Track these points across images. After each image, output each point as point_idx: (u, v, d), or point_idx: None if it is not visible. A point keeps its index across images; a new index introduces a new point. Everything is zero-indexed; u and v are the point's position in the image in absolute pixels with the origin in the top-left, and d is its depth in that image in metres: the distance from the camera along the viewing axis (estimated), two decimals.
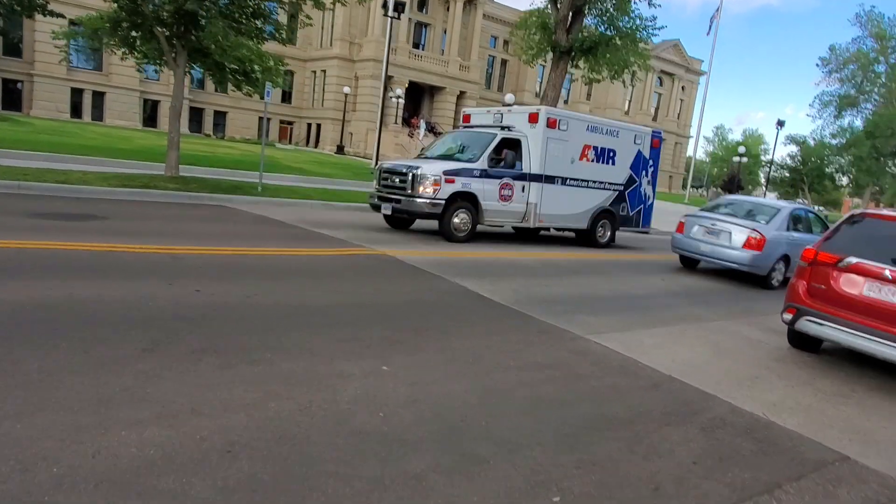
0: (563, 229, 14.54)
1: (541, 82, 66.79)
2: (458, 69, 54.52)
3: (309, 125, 54.59)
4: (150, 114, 46.47)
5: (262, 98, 16.55)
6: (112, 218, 9.68)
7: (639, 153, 14.90)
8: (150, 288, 5.92)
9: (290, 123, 54.95)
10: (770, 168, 42.77)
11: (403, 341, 5.38)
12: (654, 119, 73.07)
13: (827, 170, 44.98)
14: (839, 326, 6.16)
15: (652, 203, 15.80)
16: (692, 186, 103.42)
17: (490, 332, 6.07)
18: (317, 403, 3.89)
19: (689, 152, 76.08)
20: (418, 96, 55.74)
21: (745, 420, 4.81)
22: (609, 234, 14.66)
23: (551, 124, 12.87)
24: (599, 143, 13.96)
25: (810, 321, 6.39)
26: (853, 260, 6.18)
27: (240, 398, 3.81)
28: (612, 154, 14.20)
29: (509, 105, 30.93)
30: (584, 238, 14.34)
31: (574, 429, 4.15)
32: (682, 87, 75.54)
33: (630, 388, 5.11)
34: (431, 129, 54.25)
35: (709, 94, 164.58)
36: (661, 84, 73.51)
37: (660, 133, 15.87)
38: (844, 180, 48.61)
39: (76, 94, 42.61)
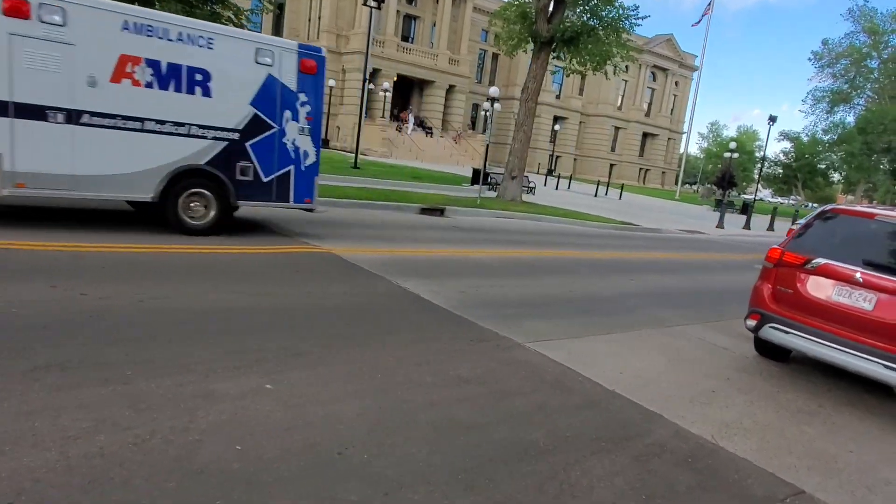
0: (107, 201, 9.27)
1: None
2: (447, 63, 53.76)
3: None
4: None
5: None
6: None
7: (271, 81, 9.08)
8: (27, 291, 5.25)
9: None
10: (762, 165, 42.06)
11: (306, 353, 4.72)
12: (648, 115, 72.50)
13: (819, 166, 44.33)
14: (805, 335, 5.54)
15: (314, 164, 9.89)
16: (686, 182, 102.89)
17: (415, 341, 5.42)
18: (161, 434, 3.24)
19: (683, 148, 75.61)
20: (407, 90, 54.94)
21: (689, 446, 4.19)
22: (214, 212, 8.87)
23: (19, 11, 7.24)
24: (163, 56, 8.17)
25: (775, 328, 5.77)
26: (821, 261, 5.55)
27: (62, 429, 3.15)
28: (200, 77, 8.51)
29: (495, 98, 30.26)
30: (159, 216, 8.75)
31: (478, 462, 3.51)
32: (676, 83, 74.91)
33: (560, 408, 4.47)
34: (420, 124, 53.51)
35: (705, 91, 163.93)
36: (654, 79, 72.84)
37: (318, 52, 9.71)
38: (836, 177, 47.99)
39: None
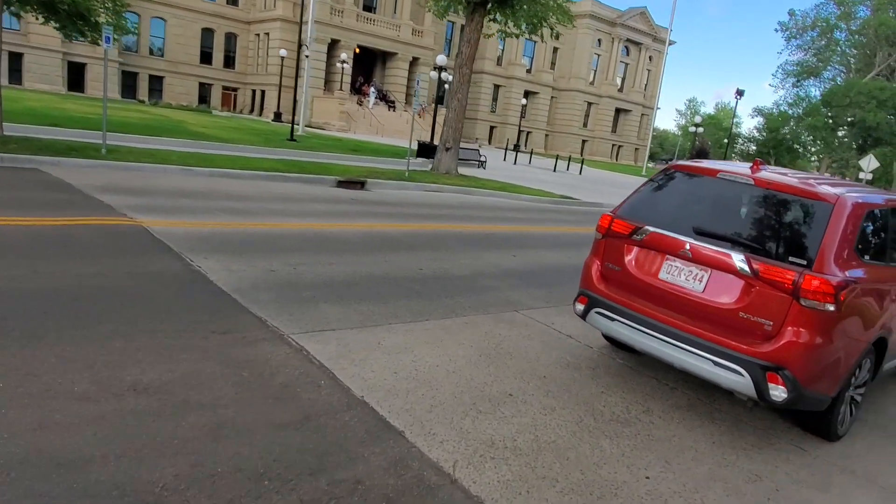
0: None
1: (502, 49, 64.44)
2: (410, 34, 51.97)
3: (253, 92, 51.80)
4: (75, 77, 43.38)
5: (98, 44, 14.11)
6: None
7: None
8: None
9: (234, 90, 52.13)
10: (729, 140, 41.03)
11: None
12: (621, 90, 71.18)
13: (787, 140, 43.31)
14: (631, 322, 4.41)
15: None
16: (662, 159, 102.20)
17: (131, 334, 4.23)
18: None
19: (656, 123, 74.52)
20: (370, 62, 53.13)
21: (403, 481, 3.05)
22: None
23: None
24: None
25: (601, 314, 4.63)
26: (650, 230, 4.41)
27: None
28: None
29: (441, 66, 28.85)
30: None
31: None
32: (650, 57, 73.47)
33: (252, 427, 3.31)
34: (383, 98, 51.74)
35: (687, 68, 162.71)
36: (627, 53, 71.42)
37: None
38: (803, 152, 47.03)
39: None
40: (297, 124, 32.25)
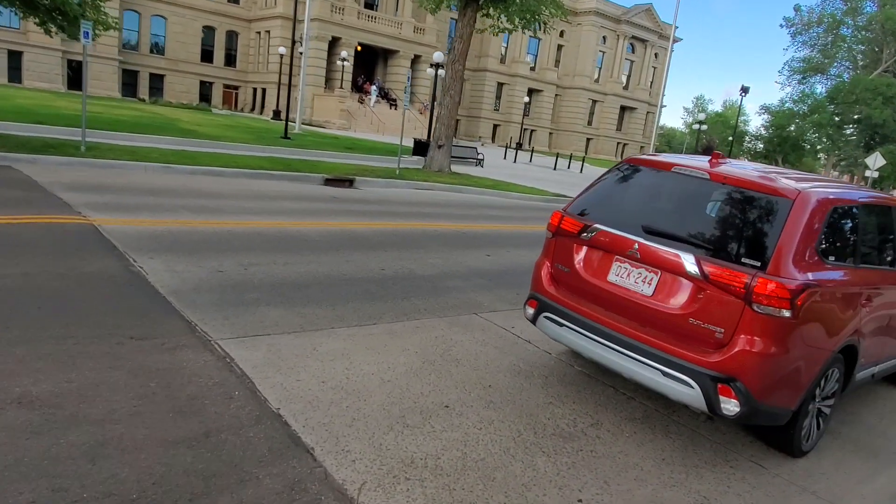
0: None
1: (506, 47, 63.99)
2: (412, 32, 51.63)
3: (255, 90, 51.62)
4: (76, 75, 43.25)
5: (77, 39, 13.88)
6: None
7: None
8: None
9: (236, 88, 51.95)
10: (733, 138, 40.43)
11: None
12: (626, 87, 70.56)
13: (793, 138, 42.53)
14: (579, 329, 4.09)
15: None
16: None
17: (35, 340, 3.94)
18: None
19: (662, 121, 73.85)
20: (372, 60, 52.84)
21: None
22: None
23: None
24: None
25: (550, 319, 4.31)
26: (599, 228, 4.08)
27: None
28: None
29: (439, 63, 28.54)
30: None
31: None
32: (656, 55, 72.79)
33: (149, 443, 3.02)
34: (385, 95, 51.40)
35: (695, 65, 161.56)
36: (632, 51, 70.79)
37: None
38: (810, 149, 46.19)
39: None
40: (293, 122, 32.04)
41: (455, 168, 21.47)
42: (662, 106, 77.02)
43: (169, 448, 3.03)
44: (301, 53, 30.28)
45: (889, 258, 4.53)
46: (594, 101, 69.01)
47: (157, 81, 47.97)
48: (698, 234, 3.75)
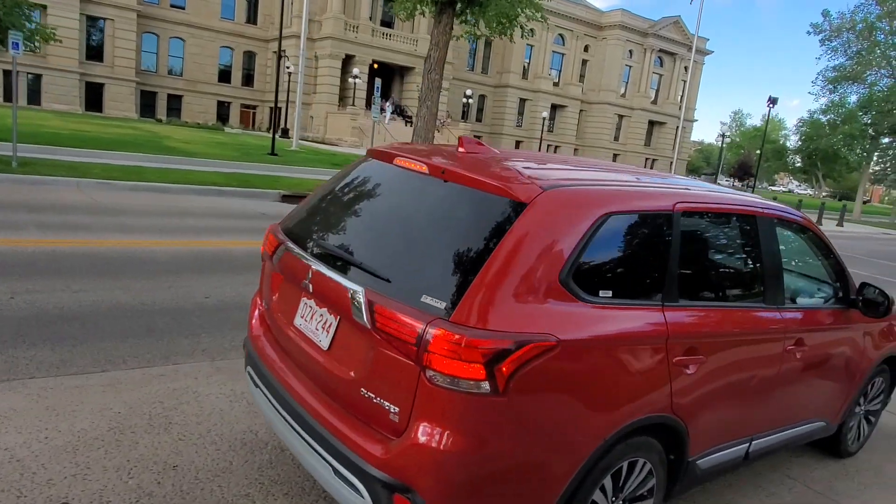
0: None
1: (528, 61, 62.90)
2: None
3: (271, 109, 51.67)
4: (96, 97, 43.98)
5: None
6: None
7: None
8: None
9: (253, 108, 52.13)
10: (760, 152, 38.15)
11: None
12: (654, 102, 68.52)
13: (823, 150, 39.82)
14: (265, 390, 2.85)
15: None
16: (705, 174, 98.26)
17: None
18: None
19: (694, 137, 71.46)
20: (388, 77, 52.39)
21: None
22: None
23: None
24: None
25: (250, 376, 3.07)
26: (287, 246, 2.84)
27: None
28: None
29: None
30: None
31: None
32: (686, 68, 70.54)
33: None
34: (401, 112, 50.78)
35: (733, 80, 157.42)
36: (661, 65, 68.84)
37: None
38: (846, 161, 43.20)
39: (6, 76, 40.31)
40: (290, 138, 31.47)
41: None
42: (693, 120, 74.74)
43: None
44: (287, 69, 29.71)
45: (740, 290, 3.14)
46: (621, 117, 67.16)
47: (174, 102, 48.44)
48: (387, 257, 2.47)
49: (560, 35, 63.24)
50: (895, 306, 3.69)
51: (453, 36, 18.35)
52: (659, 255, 2.67)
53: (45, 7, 40.00)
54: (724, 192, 3.18)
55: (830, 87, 38.87)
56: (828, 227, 29.43)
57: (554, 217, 2.33)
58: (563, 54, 64.32)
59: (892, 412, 5.29)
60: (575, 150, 66.32)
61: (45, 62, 40.92)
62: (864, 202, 63.40)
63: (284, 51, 49.21)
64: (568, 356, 2.26)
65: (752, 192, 29.29)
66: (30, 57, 40.83)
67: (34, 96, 41.08)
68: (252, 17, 51.16)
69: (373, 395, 2.29)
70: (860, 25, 36.25)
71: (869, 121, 36.45)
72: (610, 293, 2.46)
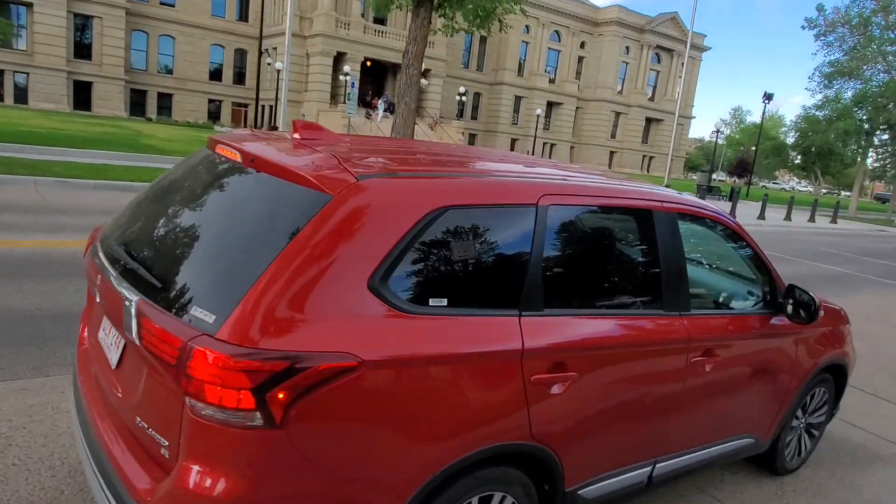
0: None
1: (523, 58, 62.42)
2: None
3: (262, 107, 51.29)
4: (84, 96, 43.59)
5: None
6: None
7: None
8: None
9: (245, 106, 51.73)
10: (756, 149, 37.65)
11: None
12: (652, 98, 68.03)
13: (818, 147, 39.23)
14: (74, 409, 2.48)
15: None
16: (704, 171, 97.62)
17: None
18: None
19: (694, 134, 70.86)
20: (381, 75, 52.07)
21: None
22: None
23: None
24: None
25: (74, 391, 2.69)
26: (96, 248, 2.48)
27: None
28: None
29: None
30: None
31: None
32: (683, 64, 69.97)
33: None
34: (393, 110, 50.36)
35: (734, 76, 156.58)
36: (658, 61, 68.35)
37: None
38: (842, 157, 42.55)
39: None
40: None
41: None
42: (692, 117, 74.29)
43: None
44: (269, 64, 29.27)
45: (628, 296, 2.75)
46: (618, 114, 66.67)
47: (165, 101, 48.06)
48: (172, 260, 2.09)
49: (556, 32, 62.78)
50: (821, 312, 3.30)
51: (432, 30, 17.95)
52: (515, 256, 2.29)
53: (30, 5, 39.68)
54: (609, 184, 2.78)
55: (826, 82, 38.37)
56: (821, 225, 28.96)
57: (367, 211, 1.95)
58: (559, 51, 63.85)
59: (846, 421, 4.91)
60: (571, 147, 65.88)
61: (32, 61, 40.57)
62: (876, 198, 61.89)
63: (276, 48, 48.86)
64: (375, 379, 1.88)
65: (748, 189, 28.84)
66: (16, 55, 40.58)
67: (21, 95, 40.74)
68: (244, 15, 50.80)
69: (146, 426, 1.92)
70: (855, 20, 35.75)
71: (864, 116, 35.93)
72: (444, 301, 2.08)
